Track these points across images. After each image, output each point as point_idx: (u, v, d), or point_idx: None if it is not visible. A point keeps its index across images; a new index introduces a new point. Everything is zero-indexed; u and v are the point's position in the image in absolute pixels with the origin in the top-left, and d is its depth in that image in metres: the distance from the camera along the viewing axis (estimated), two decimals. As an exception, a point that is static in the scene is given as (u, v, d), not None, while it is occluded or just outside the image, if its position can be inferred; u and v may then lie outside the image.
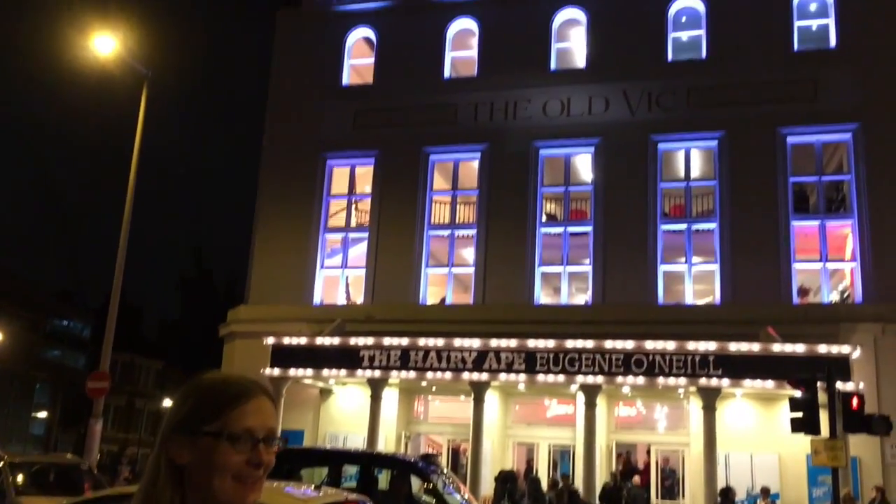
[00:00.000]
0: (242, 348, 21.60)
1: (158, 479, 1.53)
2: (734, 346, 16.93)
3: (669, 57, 21.79)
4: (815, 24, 21.30)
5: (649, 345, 17.39)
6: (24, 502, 10.85)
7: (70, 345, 53.14)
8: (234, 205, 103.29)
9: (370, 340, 19.11)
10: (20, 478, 12.92)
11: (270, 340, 19.60)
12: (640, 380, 17.39)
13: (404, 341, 18.88)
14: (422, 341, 18.77)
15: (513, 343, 18.20)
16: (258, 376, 18.57)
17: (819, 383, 13.54)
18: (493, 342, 18.32)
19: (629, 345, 17.50)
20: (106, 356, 18.03)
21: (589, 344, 17.74)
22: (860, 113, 19.76)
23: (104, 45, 18.46)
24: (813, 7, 21.37)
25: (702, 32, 21.74)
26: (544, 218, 22.12)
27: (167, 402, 53.59)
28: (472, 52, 23.57)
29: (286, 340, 19.58)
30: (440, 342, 18.64)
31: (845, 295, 20.38)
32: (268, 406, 1.60)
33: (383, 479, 12.88)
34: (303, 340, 19.63)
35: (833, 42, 20.67)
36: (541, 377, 17.97)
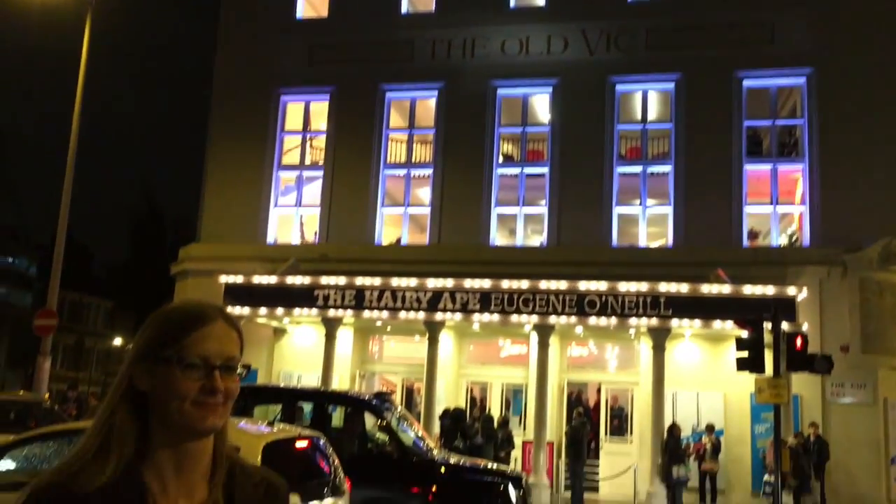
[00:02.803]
0: (195, 287, 21.33)
1: (117, 408, 1.52)
2: (684, 288, 17.22)
3: (629, -3, 21.59)
4: (774, -34, 21.20)
5: (602, 286, 17.59)
6: None
7: (15, 282, 51.99)
8: (184, 142, 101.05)
9: (324, 280, 19.01)
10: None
11: (224, 279, 19.36)
12: (593, 320, 17.62)
13: (359, 281, 18.82)
14: (376, 281, 18.72)
15: (467, 284, 18.26)
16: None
17: (765, 324, 13.87)
18: (448, 283, 18.36)
19: (582, 286, 17.68)
20: (53, 294, 17.64)
21: (543, 285, 17.88)
22: (815, 57, 19.89)
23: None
24: (772, -51, 21.26)
25: (662, -28, 21.52)
26: (501, 158, 22.03)
27: (118, 341, 53.05)
28: (430, -13, 23.06)
29: (239, 279, 19.36)
30: (395, 282, 18.62)
31: (794, 238, 20.81)
32: (226, 332, 1.60)
33: (337, 416, 12.95)
34: (256, 279, 19.43)
35: (791, -15, 20.64)
36: (495, 317, 18.10)
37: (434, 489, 10.59)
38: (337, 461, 8.20)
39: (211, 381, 1.51)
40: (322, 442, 8.18)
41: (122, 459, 1.48)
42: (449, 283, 18.35)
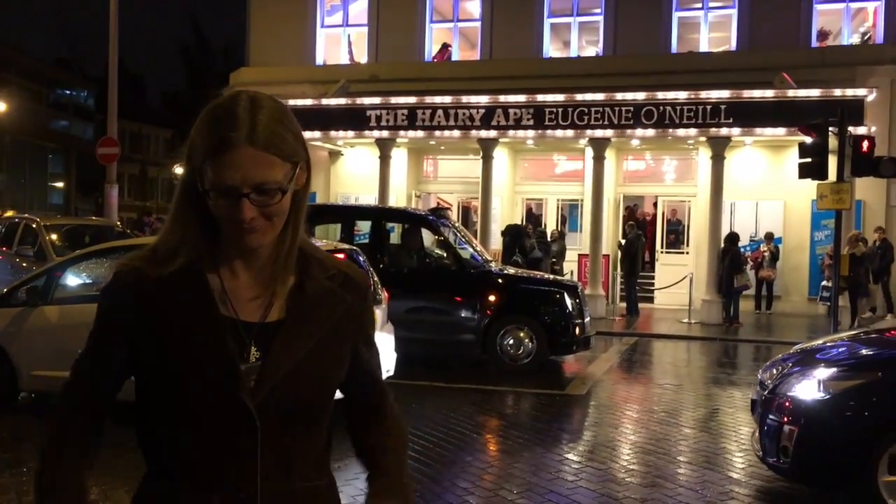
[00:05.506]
0: (248, 112, 21.33)
1: (181, 202, 1.53)
2: (747, 94, 16.59)
3: None
4: None
5: (660, 95, 17.05)
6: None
7: (76, 114, 52.73)
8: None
9: (376, 100, 18.82)
10: (56, 240, 13.14)
11: (275, 103, 19.27)
12: (650, 131, 17.25)
13: (411, 100, 18.58)
14: (428, 100, 18.46)
15: (521, 98, 17.88)
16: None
17: (830, 129, 13.36)
18: (501, 98, 18.00)
19: (640, 96, 17.17)
20: (112, 122, 17.87)
21: (599, 97, 17.42)
22: None
23: None
24: None
25: None
26: (553, -36, 20.86)
27: (179, 170, 54.28)
28: None
29: (291, 102, 19.22)
30: (447, 100, 18.34)
31: (866, 37, 19.63)
32: (253, 156, 1.46)
33: (395, 233, 13.22)
34: (308, 102, 19.34)
35: None
36: (550, 132, 17.83)
37: (493, 299, 10.92)
38: (375, 275, 8.53)
39: (238, 209, 1.44)
40: (361, 257, 8.44)
41: (194, 250, 1.51)
42: (502, 98, 17.99)
